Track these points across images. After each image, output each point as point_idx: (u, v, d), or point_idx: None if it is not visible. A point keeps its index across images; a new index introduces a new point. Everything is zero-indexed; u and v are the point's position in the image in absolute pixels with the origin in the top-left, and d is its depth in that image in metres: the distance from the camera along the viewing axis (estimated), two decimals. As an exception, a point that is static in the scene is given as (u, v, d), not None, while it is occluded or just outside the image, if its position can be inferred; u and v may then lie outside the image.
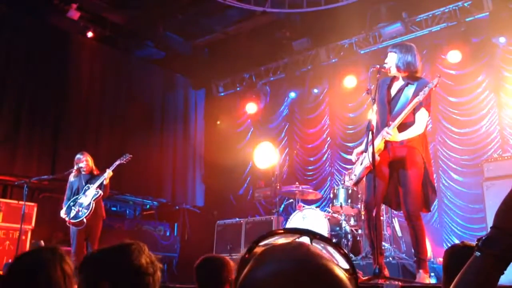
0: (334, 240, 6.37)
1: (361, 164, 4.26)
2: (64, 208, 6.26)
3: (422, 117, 4.03)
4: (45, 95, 8.37)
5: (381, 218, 5.63)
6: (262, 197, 9.32)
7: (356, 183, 4.46)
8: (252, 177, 10.33)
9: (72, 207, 6.17)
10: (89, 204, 6.11)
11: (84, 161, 6.31)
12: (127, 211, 9.89)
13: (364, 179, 4.27)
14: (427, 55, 8.37)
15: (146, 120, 9.87)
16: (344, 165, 9.26)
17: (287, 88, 10.18)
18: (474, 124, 8.04)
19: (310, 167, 9.85)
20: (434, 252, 7.00)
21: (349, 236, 6.40)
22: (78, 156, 6.38)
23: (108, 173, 6.23)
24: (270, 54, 9.82)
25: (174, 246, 9.25)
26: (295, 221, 6.74)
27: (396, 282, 3.49)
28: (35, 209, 7.32)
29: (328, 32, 8.83)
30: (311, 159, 9.89)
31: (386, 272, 4.00)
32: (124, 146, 8.94)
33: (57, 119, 8.50)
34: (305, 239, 0.84)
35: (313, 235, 0.85)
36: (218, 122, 11.12)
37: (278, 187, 7.70)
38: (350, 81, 9.04)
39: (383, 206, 5.61)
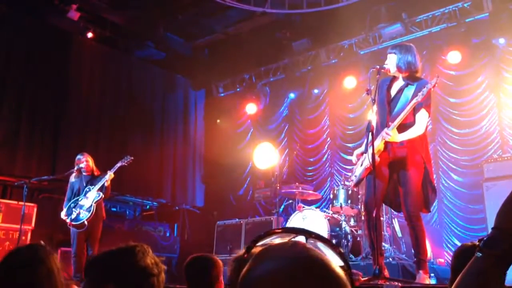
0: (334, 241, 6.38)
1: (361, 165, 4.26)
2: (65, 210, 6.26)
3: (422, 117, 4.03)
4: (45, 95, 8.38)
5: (381, 218, 5.63)
6: (262, 197, 9.33)
7: (357, 184, 4.46)
8: (252, 178, 10.33)
9: (73, 209, 6.16)
10: (90, 207, 6.11)
11: (84, 161, 6.30)
12: (127, 212, 9.89)
13: (364, 180, 4.27)
14: (427, 55, 8.37)
15: (146, 120, 9.87)
16: (344, 166, 9.26)
17: (287, 89, 10.19)
18: (474, 125, 8.04)
19: (310, 168, 9.85)
20: (434, 252, 7.00)
21: (349, 236, 6.40)
22: (78, 156, 6.37)
23: (110, 175, 6.23)
24: (270, 55, 9.83)
25: (174, 247, 9.25)
26: (295, 221, 6.74)
27: (396, 283, 3.49)
28: (35, 210, 7.32)
29: (328, 33, 8.83)
30: (311, 159, 9.89)
31: (386, 273, 3.99)
32: (124, 147, 8.95)
33: (57, 120, 8.50)
34: (301, 238, 0.87)
35: (308, 234, 0.88)
36: (218, 121, 11.12)
37: (278, 187, 7.70)
38: (350, 82, 9.05)
39: (383, 207, 5.62)
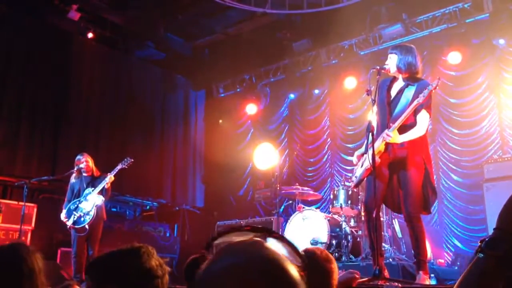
0: (334, 241, 6.38)
1: (362, 166, 4.26)
2: (65, 211, 6.24)
3: (423, 119, 4.02)
4: (45, 95, 8.37)
5: (381, 219, 5.63)
6: (262, 198, 9.32)
7: (357, 185, 4.46)
8: (252, 178, 10.33)
9: (74, 212, 6.15)
10: (91, 211, 6.11)
11: (84, 162, 6.30)
12: (127, 212, 9.88)
13: (364, 180, 4.27)
14: (427, 56, 8.37)
15: (146, 121, 9.87)
16: (344, 166, 9.26)
17: (287, 89, 10.18)
18: (474, 125, 8.04)
19: (310, 168, 9.85)
20: (434, 253, 7.00)
21: (349, 237, 6.39)
22: (78, 157, 6.37)
23: (110, 177, 6.23)
24: (271, 55, 9.82)
25: (174, 247, 9.24)
26: (295, 222, 6.74)
27: (396, 283, 3.49)
28: (35, 210, 7.31)
29: (329, 33, 8.82)
30: (311, 160, 9.88)
31: (386, 273, 3.99)
32: (124, 147, 8.95)
33: (57, 120, 8.50)
34: (262, 237, 0.89)
35: (268, 232, 0.90)
36: (221, 121, 11.11)
37: (278, 188, 7.69)
38: (350, 82, 9.05)
39: (383, 207, 5.61)
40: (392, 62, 4.18)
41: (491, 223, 6.35)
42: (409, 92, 4.10)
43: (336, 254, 6.17)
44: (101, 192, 6.22)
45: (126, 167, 6.47)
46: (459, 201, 7.93)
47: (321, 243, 6.23)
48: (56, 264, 6.84)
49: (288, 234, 6.72)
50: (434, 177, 4.25)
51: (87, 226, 6.07)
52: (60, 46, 8.67)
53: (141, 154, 8.90)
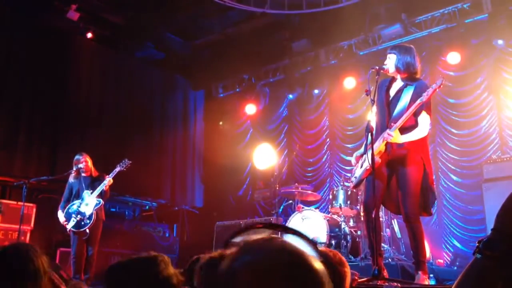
0: (333, 241, 6.38)
1: (361, 166, 4.26)
2: (63, 213, 6.22)
3: (424, 120, 4.01)
4: (44, 95, 8.36)
5: (380, 219, 5.63)
6: (262, 198, 9.32)
7: (356, 186, 4.46)
8: (251, 178, 10.33)
9: (73, 215, 6.14)
10: (91, 214, 6.12)
11: (83, 161, 6.29)
12: (126, 212, 9.87)
13: (364, 181, 4.27)
14: (426, 56, 8.37)
15: (145, 121, 9.87)
16: (343, 167, 9.27)
17: (286, 89, 10.18)
18: (473, 126, 8.04)
19: (309, 168, 9.85)
20: (433, 253, 7.00)
21: (348, 237, 6.40)
22: (77, 157, 6.36)
23: (109, 180, 6.23)
24: (270, 55, 9.82)
25: (173, 247, 9.24)
26: (294, 222, 6.74)
27: (395, 284, 3.49)
28: (34, 210, 7.31)
29: (328, 34, 8.83)
30: (311, 160, 9.89)
31: (385, 274, 3.99)
32: (124, 147, 8.94)
33: (57, 119, 8.49)
34: (279, 234, 0.89)
35: (285, 229, 0.90)
36: (221, 123, 11.11)
37: (277, 188, 7.69)
38: (349, 83, 9.06)
39: (382, 208, 5.61)
40: (391, 62, 4.18)
41: (490, 224, 6.35)
42: (408, 92, 4.09)
43: (336, 254, 6.17)
44: (100, 195, 6.23)
45: (124, 169, 6.47)
46: (458, 201, 7.93)
47: (321, 243, 6.24)
48: (55, 264, 6.84)
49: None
50: (434, 177, 4.24)
51: (87, 230, 6.08)
52: (60, 46, 8.67)
53: (141, 154, 8.89)
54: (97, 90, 9.25)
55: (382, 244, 5.40)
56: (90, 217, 6.10)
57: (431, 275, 5.21)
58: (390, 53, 4.23)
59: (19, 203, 6.78)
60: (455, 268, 6.95)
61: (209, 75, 10.58)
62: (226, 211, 10.00)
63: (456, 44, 7.98)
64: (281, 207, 8.10)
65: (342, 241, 6.37)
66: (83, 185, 6.27)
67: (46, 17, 8.49)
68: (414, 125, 4.03)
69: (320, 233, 6.38)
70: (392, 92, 4.23)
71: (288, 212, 8.46)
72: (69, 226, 6.12)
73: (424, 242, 4.01)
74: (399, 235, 6.68)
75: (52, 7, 8.39)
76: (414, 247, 3.98)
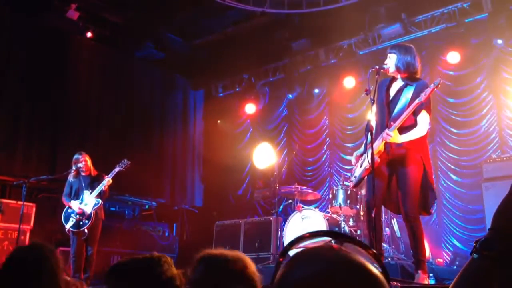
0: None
1: (361, 166, 4.26)
2: (68, 201, 6.25)
3: (424, 119, 4.02)
4: (44, 95, 8.36)
5: (381, 218, 5.63)
6: (261, 197, 9.32)
7: (356, 185, 4.46)
8: (251, 178, 10.33)
9: (72, 215, 6.16)
10: (90, 214, 6.13)
11: (83, 161, 6.31)
12: (126, 212, 9.86)
13: (364, 180, 4.27)
14: (426, 56, 8.37)
15: (145, 120, 9.87)
16: (343, 166, 9.27)
17: (286, 89, 10.18)
18: (473, 125, 8.05)
19: (309, 168, 9.85)
20: (432, 253, 7.01)
21: (348, 236, 6.39)
22: (76, 156, 6.37)
23: (108, 180, 6.25)
24: (270, 55, 9.82)
25: (173, 247, 9.24)
26: (294, 221, 6.74)
27: (395, 283, 3.49)
28: (34, 209, 7.31)
29: (328, 33, 8.82)
30: (310, 159, 9.89)
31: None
32: (123, 147, 8.94)
33: (56, 119, 8.49)
34: (334, 242, 0.88)
35: (342, 237, 0.89)
36: (219, 122, 11.11)
37: (277, 187, 7.69)
38: (349, 82, 9.06)
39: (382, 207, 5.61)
40: (391, 61, 4.19)
41: (490, 223, 6.35)
42: (408, 92, 4.10)
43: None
44: (99, 195, 6.24)
45: (123, 169, 6.48)
46: (458, 200, 7.94)
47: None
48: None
49: (287, 233, 6.73)
50: (433, 176, 4.25)
51: (86, 231, 6.09)
52: (59, 46, 8.66)
53: (140, 153, 8.89)
54: (97, 89, 9.25)
55: (382, 244, 5.39)
56: (89, 217, 6.12)
57: (431, 275, 5.21)
58: (390, 52, 4.23)
59: (19, 202, 6.78)
60: (455, 267, 6.95)
61: (209, 75, 10.58)
62: (225, 210, 10.00)
63: (456, 44, 7.98)
64: (281, 207, 8.10)
65: (342, 240, 6.36)
66: (83, 185, 6.29)
67: (46, 17, 8.48)
68: (414, 125, 4.03)
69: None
70: (392, 92, 4.23)
71: (288, 211, 8.47)
72: (68, 226, 6.14)
73: (424, 241, 4.02)
74: (398, 235, 6.68)
75: (52, 6, 8.38)
76: (414, 247, 3.99)
